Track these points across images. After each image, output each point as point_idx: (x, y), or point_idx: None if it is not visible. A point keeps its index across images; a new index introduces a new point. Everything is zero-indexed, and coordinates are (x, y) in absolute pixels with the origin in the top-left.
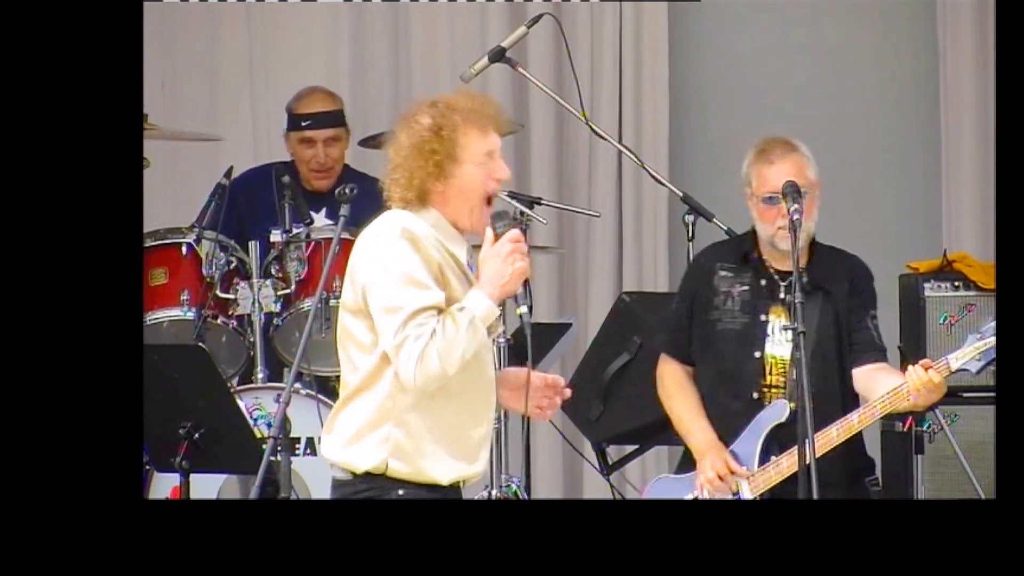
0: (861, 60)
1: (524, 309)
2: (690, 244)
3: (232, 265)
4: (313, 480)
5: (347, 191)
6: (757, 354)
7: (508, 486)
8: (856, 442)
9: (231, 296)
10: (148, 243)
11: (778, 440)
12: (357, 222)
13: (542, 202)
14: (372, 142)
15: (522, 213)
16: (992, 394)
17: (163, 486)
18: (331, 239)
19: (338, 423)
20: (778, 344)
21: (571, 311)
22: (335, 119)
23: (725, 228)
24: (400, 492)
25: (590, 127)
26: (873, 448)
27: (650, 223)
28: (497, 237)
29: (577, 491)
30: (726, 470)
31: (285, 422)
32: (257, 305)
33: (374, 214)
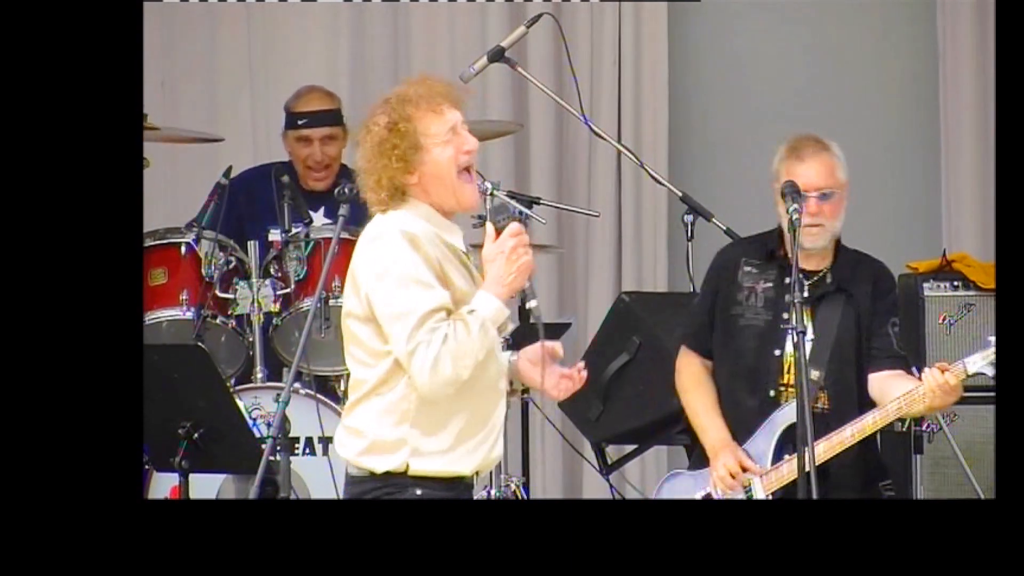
0: (861, 60)
1: (534, 303)
2: (689, 244)
3: (231, 265)
4: (313, 480)
5: (346, 191)
6: (777, 352)
7: (508, 486)
8: (871, 446)
9: (230, 296)
10: (148, 243)
11: (792, 439)
12: (356, 222)
13: (541, 202)
14: None
15: (521, 213)
16: (992, 394)
17: (163, 486)
18: (330, 239)
19: (352, 424)
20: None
21: (571, 311)
22: (332, 118)
23: (724, 228)
24: (418, 492)
25: (589, 127)
26: None
27: (649, 223)
28: (498, 232)
29: (577, 491)
30: (739, 468)
31: (284, 422)
32: (256, 305)
33: (371, 215)
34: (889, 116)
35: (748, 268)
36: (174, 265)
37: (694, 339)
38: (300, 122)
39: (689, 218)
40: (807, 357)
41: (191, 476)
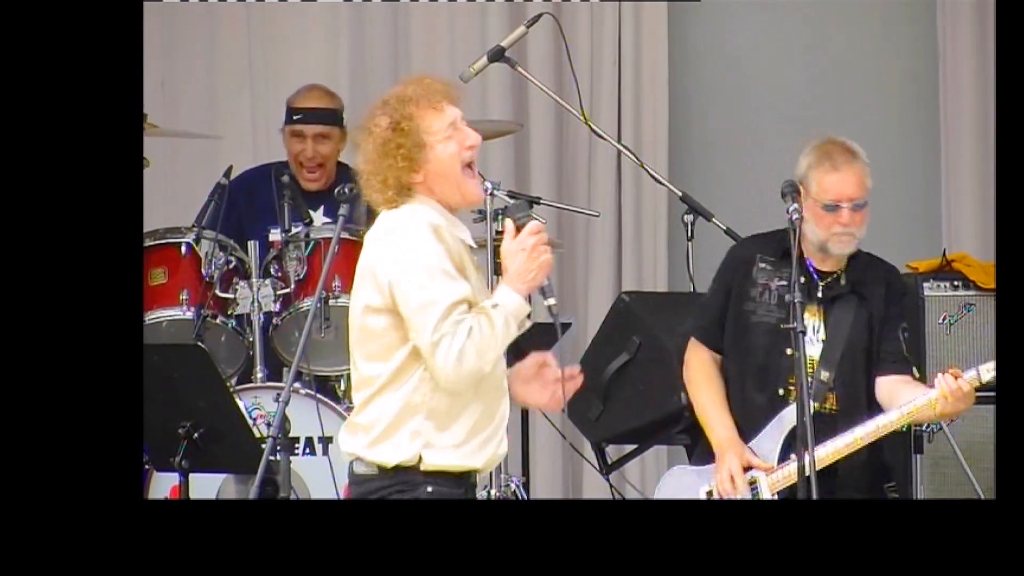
0: (861, 60)
1: (552, 301)
2: (689, 244)
3: (231, 265)
4: (313, 480)
5: (346, 191)
6: (788, 351)
7: (508, 486)
8: (879, 447)
9: (230, 296)
10: (148, 243)
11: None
12: (356, 222)
13: (542, 202)
14: None
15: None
16: (992, 394)
17: (163, 486)
18: (330, 239)
19: (362, 420)
20: (810, 343)
21: (571, 311)
22: (328, 117)
23: (724, 227)
24: (429, 489)
25: (589, 127)
26: None
27: (650, 223)
28: (518, 229)
29: (577, 491)
30: (741, 473)
31: (284, 422)
32: (256, 305)
33: (372, 214)
34: (889, 116)
35: (763, 265)
36: (174, 265)
37: (705, 332)
38: (295, 117)
39: (689, 218)
40: (818, 358)
41: (191, 476)
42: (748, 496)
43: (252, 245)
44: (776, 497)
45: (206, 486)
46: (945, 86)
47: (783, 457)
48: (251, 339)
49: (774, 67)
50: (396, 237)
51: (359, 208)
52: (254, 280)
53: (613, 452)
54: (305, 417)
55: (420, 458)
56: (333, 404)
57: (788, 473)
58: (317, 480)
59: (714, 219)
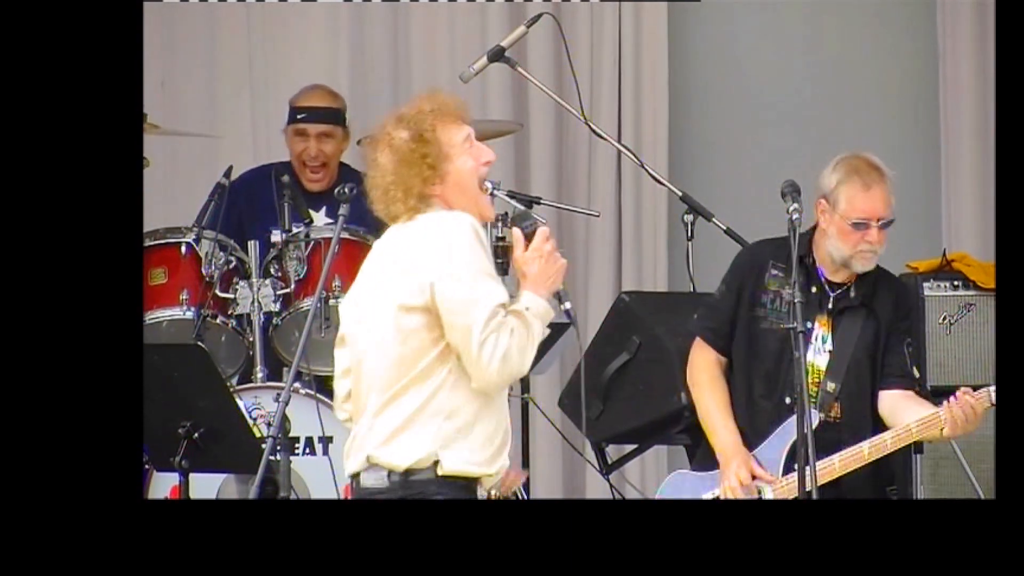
0: (861, 60)
1: (569, 304)
2: (689, 244)
3: (231, 265)
4: (313, 480)
5: (346, 191)
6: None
7: None
8: (884, 458)
9: (230, 296)
10: (148, 243)
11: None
12: (357, 222)
13: (541, 202)
14: None
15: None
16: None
17: (162, 486)
18: (330, 239)
19: (384, 423)
20: (819, 353)
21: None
22: (331, 116)
23: (724, 228)
24: (441, 498)
25: (589, 127)
26: None
27: (649, 223)
28: (527, 236)
29: (577, 491)
30: (750, 480)
31: (284, 422)
32: (256, 305)
33: (380, 226)
34: (889, 116)
35: (775, 271)
36: (174, 265)
37: (713, 334)
38: (299, 116)
39: (689, 218)
40: (824, 368)
41: (191, 476)
42: None
43: (252, 245)
44: None
45: (206, 486)
46: (945, 86)
47: (787, 466)
48: (251, 339)
49: (774, 67)
50: (439, 237)
51: (360, 208)
52: (254, 280)
53: (613, 452)
54: (305, 417)
55: (436, 462)
56: (333, 404)
57: (793, 484)
58: (317, 480)
59: (714, 219)
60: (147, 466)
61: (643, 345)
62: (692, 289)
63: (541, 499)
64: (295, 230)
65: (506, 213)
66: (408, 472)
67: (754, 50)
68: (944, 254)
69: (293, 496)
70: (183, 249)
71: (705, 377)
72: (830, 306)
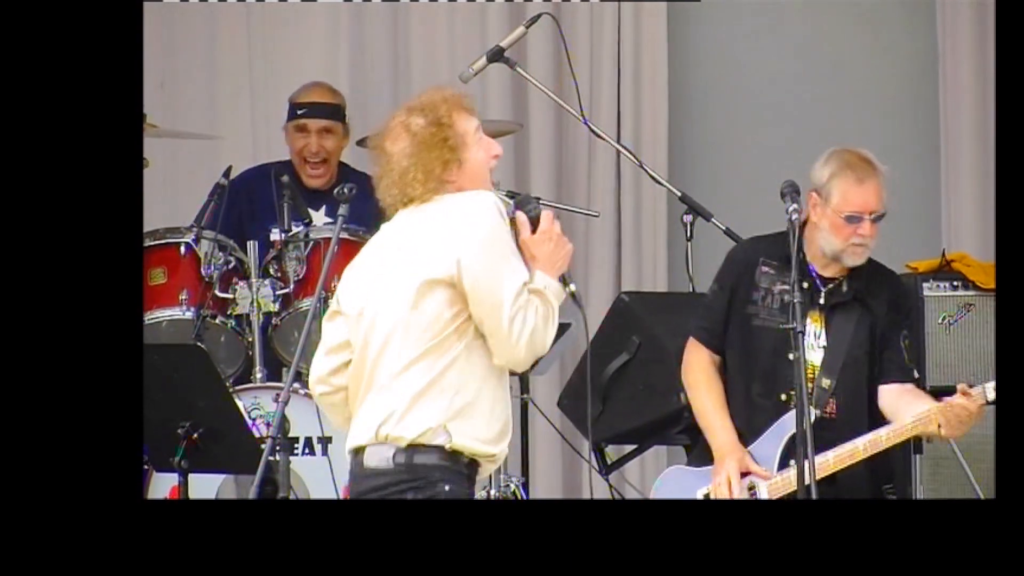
0: (861, 60)
1: (574, 287)
2: (689, 244)
3: (231, 265)
4: (312, 480)
5: (346, 190)
6: (791, 357)
7: (507, 486)
8: (882, 456)
9: (230, 296)
10: (147, 243)
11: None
12: (356, 222)
13: (541, 202)
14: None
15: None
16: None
17: (162, 486)
18: (330, 238)
19: (390, 395)
20: (812, 350)
21: (570, 311)
22: (331, 111)
23: (724, 228)
24: (447, 488)
25: (589, 127)
26: None
27: (649, 223)
28: (532, 220)
29: (577, 491)
30: (739, 480)
31: (284, 422)
32: (256, 305)
33: (373, 214)
34: (889, 116)
35: (766, 268)
36: (174, 265)
37: (707, 334)
38: (299, 112)
39: (689, 218)
40: (819, 364)
41: (191, 476)
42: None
43: (251, 245)
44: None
45: (206, 486)
46: (945, 86)
47: (783, 463)
48: (250, 339)
49: (774, 67)
50: (466, 215)
51: (360, 208)
52: (253, 280)
53: (613, 452)
54: (305, 417)
55: (445, 427)
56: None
57: (787, 479)
58: (317, 480)
59: (714, 219)
60: (147, 466)
61: (643, 345)
62: (692, 289)
63: (541, 499)
64: (294, 230)
65: (513, 199)
66: (415, 449)
67: (754, 50)
68: (944, 254)
69: (292, 496)
70: (183, 249)
71: (701, 377)
72: (822, 301)
